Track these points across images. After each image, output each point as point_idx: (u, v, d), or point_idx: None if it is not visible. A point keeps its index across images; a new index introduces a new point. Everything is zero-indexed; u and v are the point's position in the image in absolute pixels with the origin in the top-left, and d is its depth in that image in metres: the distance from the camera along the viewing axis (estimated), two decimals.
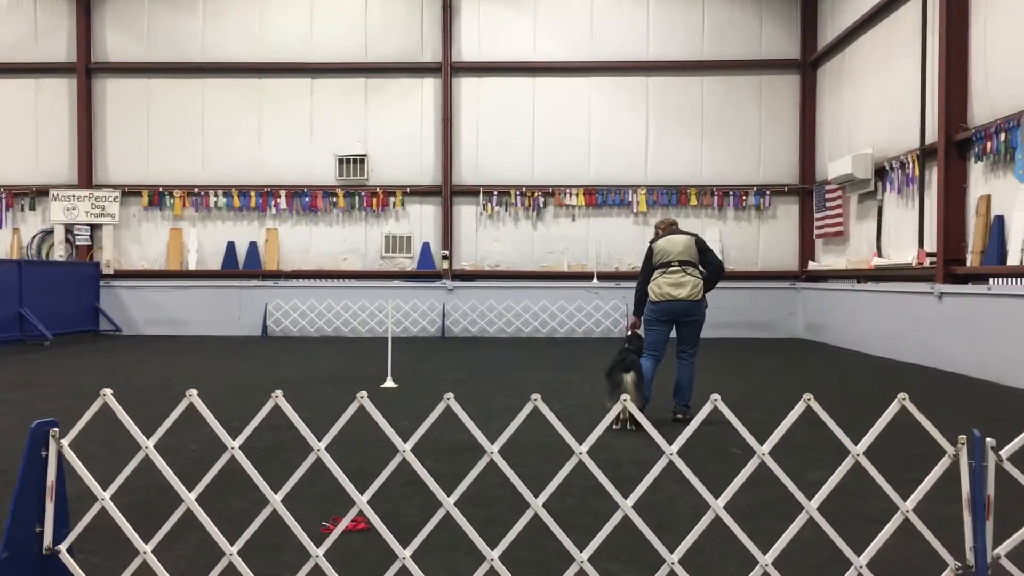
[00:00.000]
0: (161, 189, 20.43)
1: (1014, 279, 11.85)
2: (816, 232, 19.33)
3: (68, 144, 20.60)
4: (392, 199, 20.32)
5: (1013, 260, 11.70)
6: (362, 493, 3.34)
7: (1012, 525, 3.37)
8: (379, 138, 20.39)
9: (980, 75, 12.88)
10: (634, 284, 8.94)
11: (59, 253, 20.22)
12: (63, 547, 3.37)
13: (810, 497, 3.29)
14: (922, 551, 3.44)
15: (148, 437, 3.30)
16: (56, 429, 3.33)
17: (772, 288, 19.91)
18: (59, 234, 20.28)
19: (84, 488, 3.37)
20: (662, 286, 8.41)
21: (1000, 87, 12.32)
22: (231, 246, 20.45)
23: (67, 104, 20.58)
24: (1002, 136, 11.97)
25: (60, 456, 3.33)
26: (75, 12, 20.43)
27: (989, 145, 12.30)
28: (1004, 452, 3.17)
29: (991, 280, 12.36)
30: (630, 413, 3.42)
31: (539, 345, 17.45)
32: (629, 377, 7.78)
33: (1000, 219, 12.17)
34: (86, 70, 20.40)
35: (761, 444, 3.26)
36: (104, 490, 3.32)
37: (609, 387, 7.98)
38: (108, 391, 3.26)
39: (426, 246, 20.41)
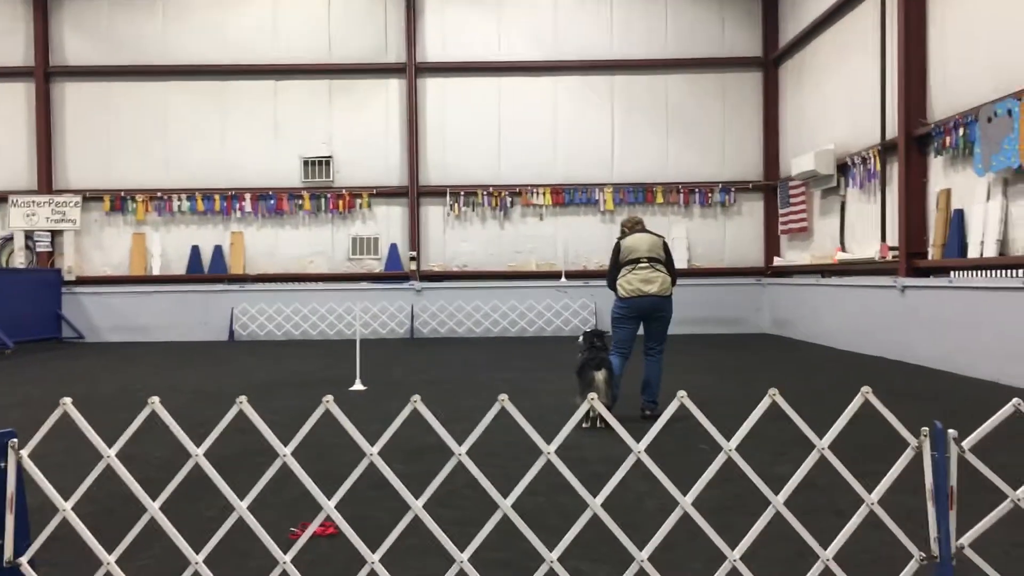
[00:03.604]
0: (123, 193, 20.18)
1: (974, 271, 12.03)
2: (781, 228, 19.51)
3: (27, 149, 20.28)
4: (359, 200, 20.22)
5: (973, 253, 11.88)
6: (330, 498, 3.31)
7: (975, 515, 3.41)
8: (344, 139, 20.29)
9: (939, 71, 13.06)
10: (603, 282, 8.97)
11: (19, 260, 19.90)
12: (24, 559, 3.31)
13: (777, 492, 3.31)
14: (888, 542, 3.47)
15: (110, 446, 3.25)
16: (15, 440, 3.27)
17: (738, 284, 20.07)
18: (19, 241, 19.96)
19: (45, 499, 3.32)
20: (632, 282, 8.44)
21: (958, 83, 12.50)
22: (195, 250, 20.25)
23: (25, 108, 20.25)
24: (961, 131, 12.14)
25: (19, 467, 3.27)
26: (32, 15, 20.11)
27: (948, 140, 12.48)
28: (966, 443, 3.21)
29: (952, 273, 12.53)
30: (599, 411, 3.42)
31: (508, 345, 17.45)
32: (600, 375, 7.80)
33: (960, 213, 12.35)
34: (44, 74, 20.10)
35: (728, 440, 3.28)
36: (65, 500, 3.26)
37: (580, 386, 7.99)
38: (68, 400, 3.20)
39: (393, 247, 20.34)
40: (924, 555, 3.24)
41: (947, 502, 3.13)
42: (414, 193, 20.10)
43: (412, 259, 20.10)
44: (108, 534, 3.57)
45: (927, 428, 3.21)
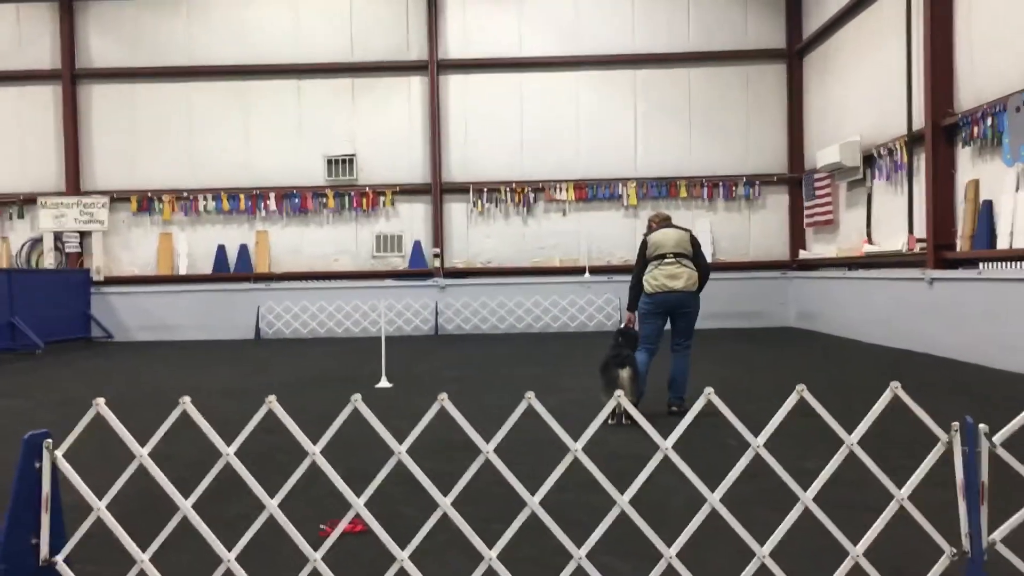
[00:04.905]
0: (149, 194, 20.38)
1: (1004, 263, 11.90)
2: (806, 221, 19.38)
3: (55, 151, 20.52)
4: (382, 198, 20.30)
5: (1002, 244, 11.75)
6: (359, 495, 3.34)
7: (1007, 510, 3.38)
8: (368, 137, 20.36)
9: (965, 60, 12.92)
10: (627, 278, 8.95)
11: (49, 261, 20.15)
12: (60, 558, 3.36)
13: (805, 487, 3.31)
14: (918, 538, 3.45)
15: (142, 445, 3.29)
16: (50, 440, 3.32)
17: (763, 278, 19.95)
18: (48, 242, 20.21)
19: (79, 497, 3.36)
20: (658, 277, 8.43)
21: (986, 72, 12.36)
22: (221, 249, 20.41)
23: (52, 111, 20.50)
24: (989, 121, 12.00)
25: (54, 467, 3.32)
26: (58, 18, 20.33)
27: (976, 130, 12.34)
28: (997, 438, 3.18)
29: (981, 264, 12.41)
30: (625, 407, 3.43)
31: (532, 341, 17.46)
32: (624, 372, 7.79)
33: (988, 203, 12.21)
34: (71, 76, 20.32)
35: (755, 436, 3.27)
36: (99, 499, 3.31)
37: (604, 382, 7.98)
38: (101, 400, 3.25)
39: (417, 244, 20.39)
40: (955, 551, 3.22)
41: (978, 497, 3.11)
42: (437, 190, 20.15)
43: (436, 256, 20.15)
44: (141, 532, 3.62)
45: (957, 423, 3.19)
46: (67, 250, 20.38)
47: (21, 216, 20.60)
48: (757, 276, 19.97)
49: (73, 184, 20.35)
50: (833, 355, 13.73)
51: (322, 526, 4.66)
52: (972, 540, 3.12)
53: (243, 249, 20.41)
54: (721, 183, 20.04)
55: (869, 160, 16.15)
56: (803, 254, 19.59)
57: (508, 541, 3.30)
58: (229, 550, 3.31)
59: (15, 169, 20.58)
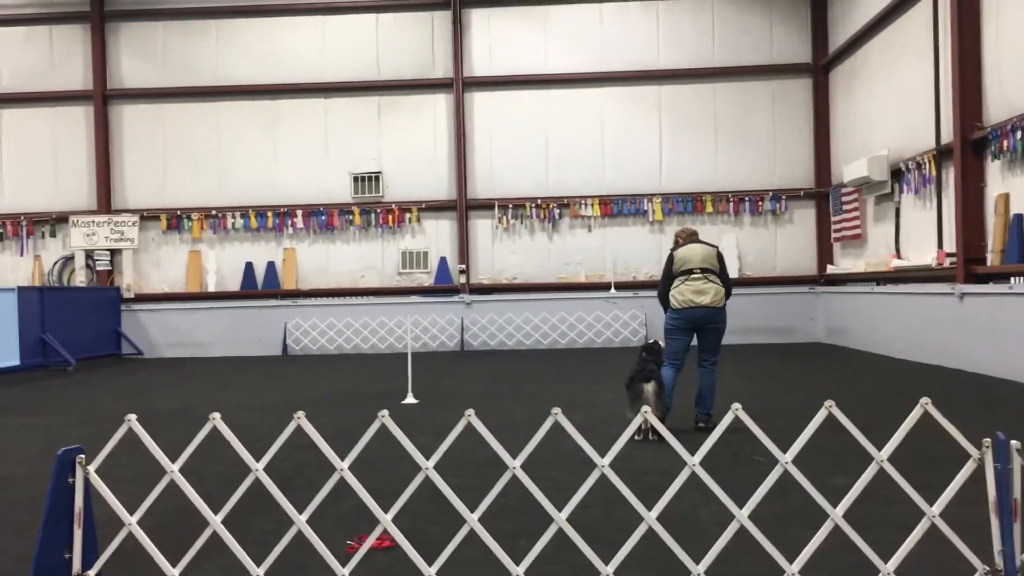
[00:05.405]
0: (179, 212, 20.61)
1: None
2: (834, 235, 19.24)
3: (86, 170, 20.83)
4: (408, 215, 20.40)
5: None
6: (386, 511, 3.35)
7: None
8: (393, 155, 20.50)
9: (994, 73, 12.81)
10: (652, 293, 8.93)
11: (80, 279, 20.41)
12: (92, 572, 3.40)
13: (835, 504, 3.28)
14: (950, 555, 3.41)
15: (173, 461, 3.33)
16: (83, 456, 3.37)
17: (791, 293, 19.82)
18: (80, 260, 20.48)
19: (111, 512, 3.40)
20: (684, 293, 8.41)
21: (1014, 84, 12.25)
22: (249, 267, 20.59)
23: (84, 131, 20.82)
24: (1018, 134, 11.89)
25: (87, 482, 3.37)
26: (91, 40, 20.68)
27: (1006, 143, 12.22)
28: None
29: (1012, 279, 12.25)
30: (652, 423, 3.42)
31: (558, 357, 17.44)
32: (649, 387, 7.76)
33: (1019, 217, 12.07)
34: (102, 97, 20.64)
35: (784, 452, 3.25)
36: (131, 515, 3.35)
37: (630, 398, 7.97)
38: (133, 416, 3.29)
39: (443, 261, 20.46)
40: (988, 568, 3.18)
41: (1011, 515, 3.07)
42: (462, 207, 20.22)
43: (461, 272, 20.20)
44: (172, 547, 3.65)
45: (989, 439, 3.16)
46: (98, 268, 20.64)
47: (53, 235, 20.90)
48: (785, 291, 19.84)
49: (104, 203, 20.64)
50: (862, 371, 13.60)
51: (349, 542, 4.67)
52: (1006, 557, 3.09)
53: (271, 266, 20.58)
54: (747, 198, 19.96)
55: (897, 174, 16.03)
56: (831, 269, 19.45)
57: (535, 557, 3.30)
58: (258, 565, 3.34)
59: (48, 188, 20.91)
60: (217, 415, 3.29)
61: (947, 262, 13.87)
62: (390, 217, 20.36)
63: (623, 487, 3.29)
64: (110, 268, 20.70)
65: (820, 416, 3.23)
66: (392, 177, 20.49)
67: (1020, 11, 12.13)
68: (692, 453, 3.29)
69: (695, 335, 8.55)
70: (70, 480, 3.34)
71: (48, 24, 20.89)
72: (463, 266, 20.20)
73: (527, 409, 9.91)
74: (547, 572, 3.99)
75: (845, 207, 18.31)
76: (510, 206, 20.23)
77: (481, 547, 3.40)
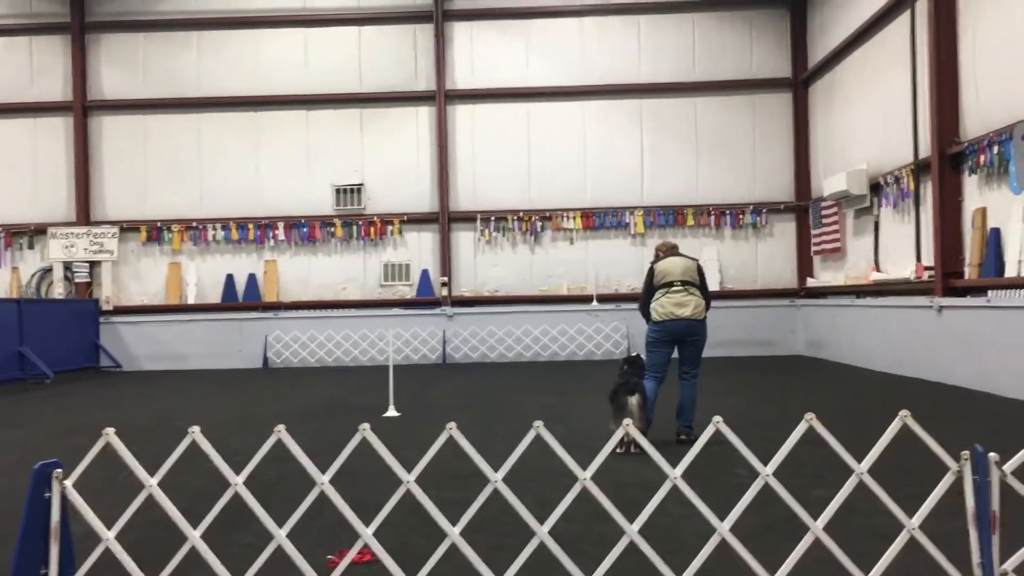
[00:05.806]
0: (159, 224, 20.49)
1: (1012, 291, 11.86)
2: (814, 249, 19.37)
3: (66, 182, 20.68)
4: (390, 227, 20.38)
5: (1011, 272, 11.73)
6: (367, 525, 3.33)
7: (1019, 540, 3.36)
8: (376, 167, 20.48)
9: (971, 89, 12.96)
10: (634, 306, 8.95)
11: (58, 291, 20.24)
12: None
13: (816, 516, 3.29)
14: (930, 567, 3.42)
15: (151, 475, 3.30)
16: (59, 470, 3.33)
17: (771, 306, 19.92)
18: (58, 272, 20.31)
19: (89, 528, 3.37)
20: (665, 305, 8.44)
21: (991, 100, 12.40)
22: (230, 279, 20.48)
23: (64, 142, 20.68)
24: (995, 149, 12.03)
25: (64, 497, 3.33)
26: (71, 50, 20.57)
27: (983, 158, 12.36)
28: (1008, 467, 3.17)
29: (989, 292, 12.37)
30: (634, 436, 3.43)
31: (540, 369, 17.44)
32: (634, 400, 7.78)
33: (996, 231, 12.20)
34: (82, 108, 20.52)
35: (765, 464, 3.26)
36: (109, 529, 3.31)
37: (613, 410, 7.97)
38: (111, 430, 3.26)
39: (425, 273, 20.44)
40: None
41: (989, 526, 3.09)
42: (445, 219, 20.22)
43: (444, 285, 20.18)
44: (150, 562, 3.61)
45: (968, 452, 3.18)
46: (76, 280, 20.48)
47: (31, 246, 20.73)
48: (765, 304, 19.94)
49: (83, 214, 20.49)
50: (842, 383, 13.68)
51: (330, 556, 4.64)
52: (984, 569, 3.10)
53: (251, 278, 20.48)
54: (728, 211, 20.07)
55: (876, 188, 16.17)
56: (811, 282, 19.57)
57: (517, 570, 3.29)
58: None
59: (27, 199, 20.74)
60: (197, 428, 3.27)
61: (925, 275, 13.99)
62: (372, 229, 20.32)
63: (605, 500, 3.29)
64: (89, 280, 20.54)
65: (800, 429, 3.25)
66: (374, 189, 20.47)
67: (996, 27, 12.29)
68: (673, 466, 3.29)
69: (676, 347, 8.57)
70: (47, 495, 3.30)
71: (28, 35, 20.77)
72: (445, 279, 20.18)
73: (509, 421, 9.90)
74: None
75: (825, 221, 18.45)
76: (492, 219, 20.25)
77: (463, 561, 3.39)
